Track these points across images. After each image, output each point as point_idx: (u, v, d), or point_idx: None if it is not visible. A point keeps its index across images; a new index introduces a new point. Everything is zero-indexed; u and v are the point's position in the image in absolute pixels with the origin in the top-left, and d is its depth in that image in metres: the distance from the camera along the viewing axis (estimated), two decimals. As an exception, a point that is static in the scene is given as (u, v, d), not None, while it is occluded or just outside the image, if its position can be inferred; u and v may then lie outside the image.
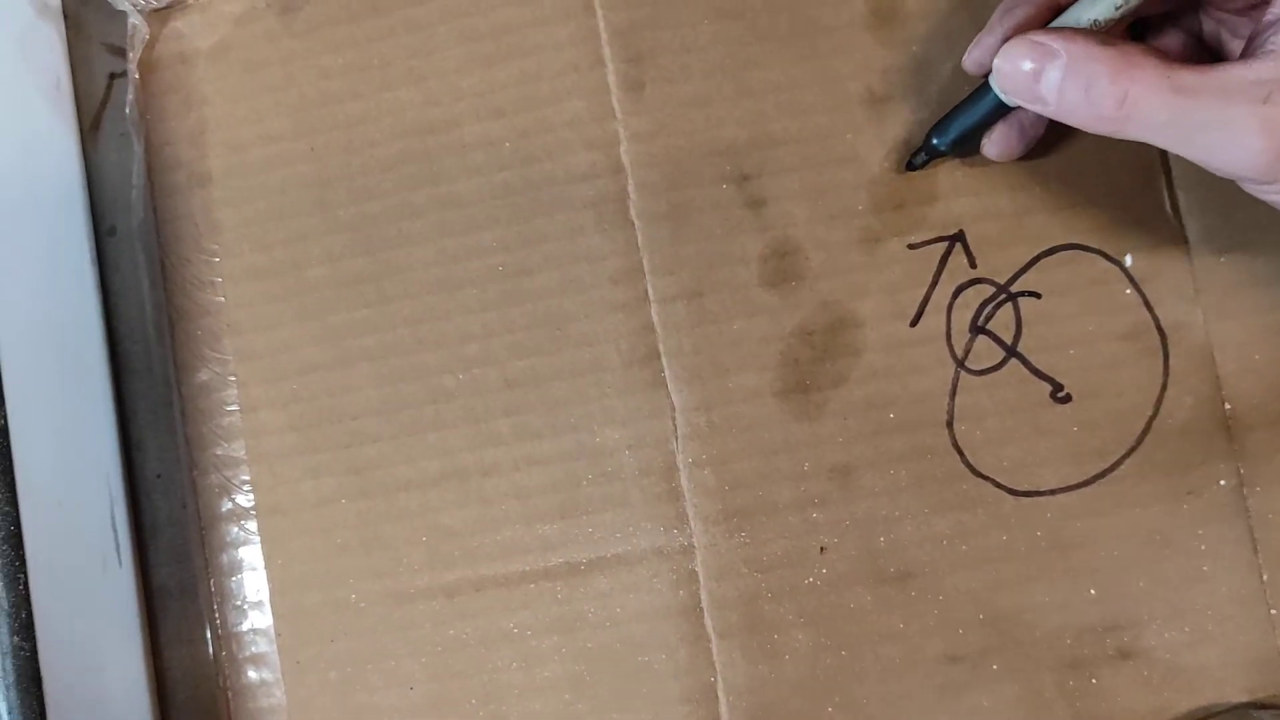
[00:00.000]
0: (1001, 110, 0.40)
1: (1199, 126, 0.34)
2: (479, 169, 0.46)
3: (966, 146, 0.42)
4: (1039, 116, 0.40)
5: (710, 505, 0.44)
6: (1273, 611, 0.42)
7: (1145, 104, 0.34)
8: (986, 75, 0.40)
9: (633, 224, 0.45)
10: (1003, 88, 0.38)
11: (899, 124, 0.44)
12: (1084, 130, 0.36)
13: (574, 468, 0.45)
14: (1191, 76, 0.33)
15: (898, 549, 0.44)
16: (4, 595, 0.43)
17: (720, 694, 0.44)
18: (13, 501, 0.44)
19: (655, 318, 0.45)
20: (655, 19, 0.45)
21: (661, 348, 0.45)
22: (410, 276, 0.46)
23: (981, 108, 0.41)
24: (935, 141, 0.42)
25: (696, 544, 0.44)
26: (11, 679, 0.43)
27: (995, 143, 0.42)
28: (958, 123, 0.42)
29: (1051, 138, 0.43)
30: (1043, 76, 0.36)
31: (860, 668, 0.43)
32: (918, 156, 0.43)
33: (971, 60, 0.41)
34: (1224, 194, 0.43)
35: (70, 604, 0.47)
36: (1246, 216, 0.43)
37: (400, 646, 0.46)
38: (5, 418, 0.44)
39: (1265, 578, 0.42)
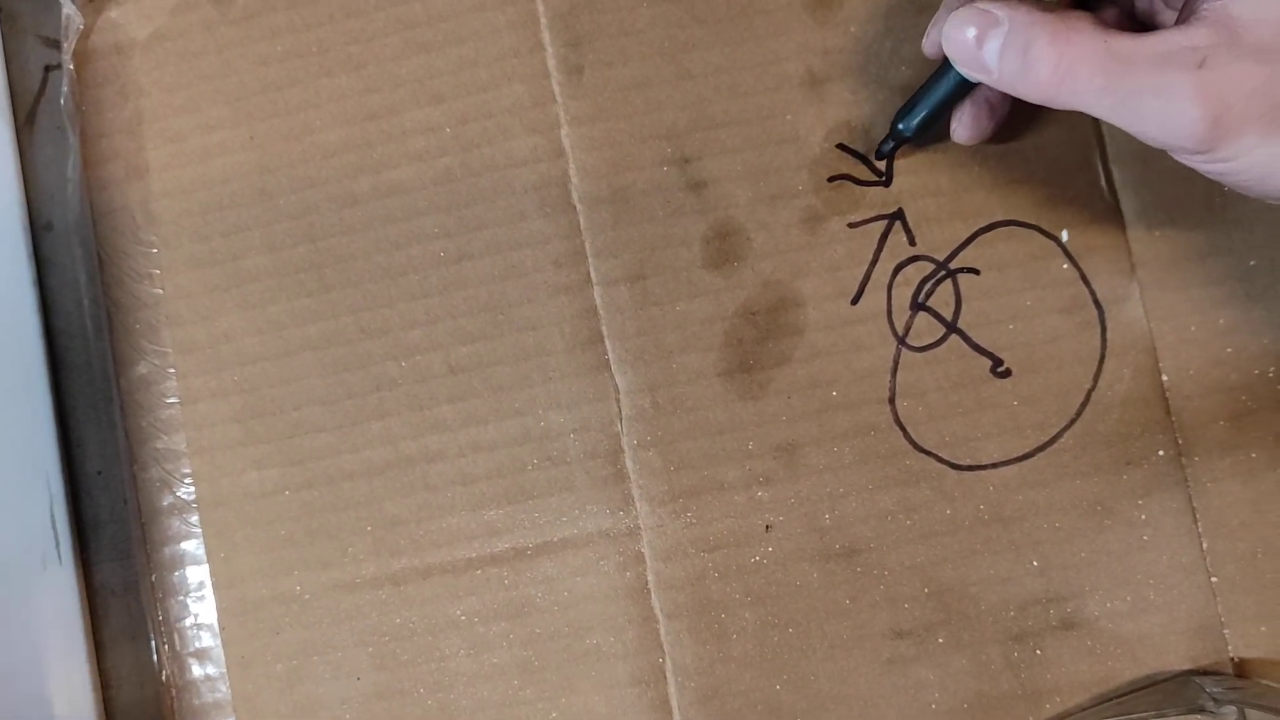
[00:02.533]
0: (962, 89, 0.41)
1: (1134, 93, 0.34)
2: (419, 155, 0.46)
3: (932, 130, 0.43)
4: (1005, 95, 0.40)
5: (656, 486, 0.44)
6: (1213, 579, 0.43)
7: (1081, 70, 0.34)
8: (945, 58, 0.40)
9: (574, 208, 0.45)
10: (952, 56, 0.38)
11: (839, 104, 0.45)
12: (1027, 100, 0.36)
13: (519, 452, 0.45)
14: (1128, 43, 0.34)
15: (843, 525, 0.44)
16: (-61, 592, 0.42)
17: (669, 674, 0.44)
18: (-52, 497, 0.43)
19: (598, 301, 0.45)
20: (594, 2, 0.45)
21: (605, 330, 0.45)
22: (352, 264, 0.46)
23: (943, 87, 0.41)
24: (900, 127, 0.42)
25: (643, 525, 0.44)
26: (-52, 677, 0.42)
27: (965, 125, 0.42)
28: (921, 105, 0.42)
29: (1015, 120, 0.43)
30: (985, 43, 0.36)
31: (808, 644, 0.43)
32: (885, 144, 0.43)
33: (929, 42, 0.42)
34: (1158, 170, 0.43)
35: (11, 603, 0.46)
36: (1181, 191, 0.44)
37: (347, 637, 0.45)
38: (-62, 411, 0.43)
39: (1205, 546, 0.43)
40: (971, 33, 0.36)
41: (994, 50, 0.36)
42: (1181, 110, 0.33)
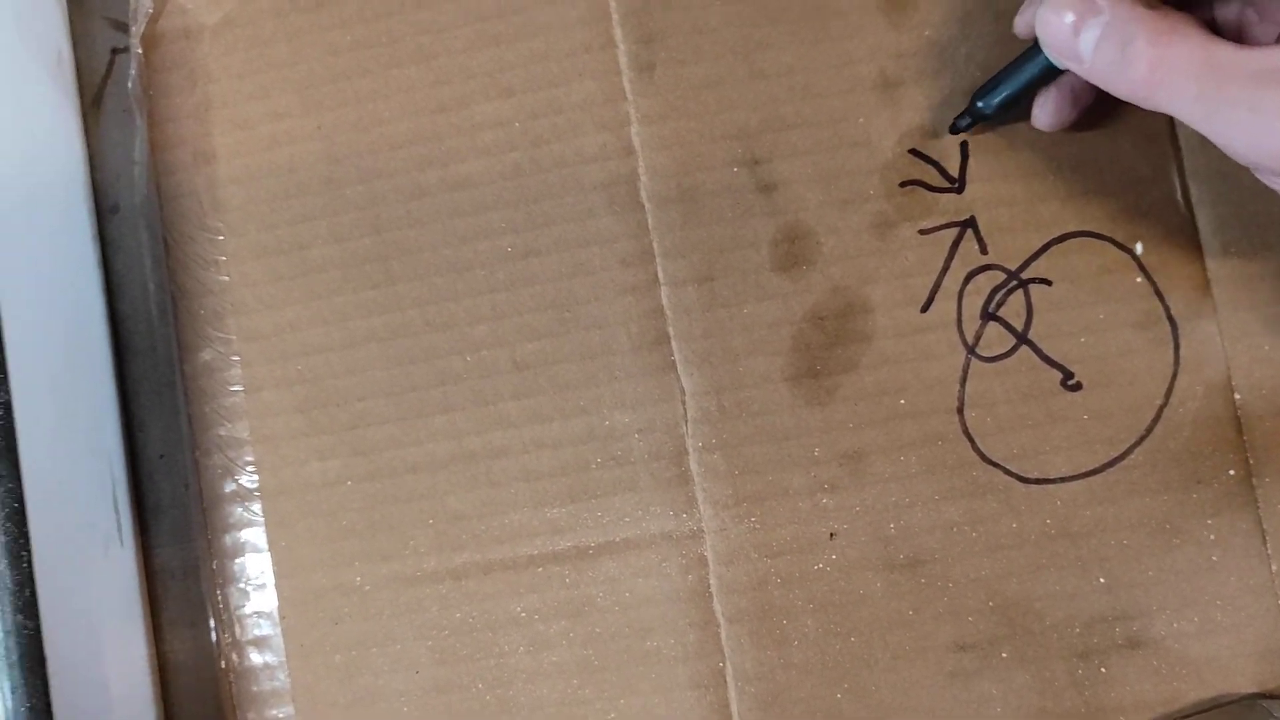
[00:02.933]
0: (1049, 74, 0.40)
1: (1228, 105, 0.33)
2: (488, 149, 0.46)
3: (1011, 111, 0.42)
4: (1092, 85, 0.39)
5: (720, 490, 0.44)
6: (1280, 601, 0.42)
7: (1178, 74, 0.33)
8: (1035, 40, 0.39)
9: (643, 206, 0.45)
10: (1044, 40, 0.37)
11: (912, 108, 0.44)
12: (1116, 96, 0.36)
13: (583, 451, 0.45)
14: (1228, 53, 0.33)
15: (908, 535, 0.43)
16: (8, 574, 0.42)
17: (729, 679, 0.44)
18: (16, 480, 0.43)
19: (665, 301, 0.45)
20: (667, -1, 0.45)
21: (671, 331, 0.45)
22: (418, 257, 0.46)
23: (1029, 70, 0.40)
24: (980, 105, 0.42)
25: (706, 529, 0.44)
26: (15, 658, 0.42)
27: (1046, 111, 0.41)
28: (1004, 85, 0.41)
29: (1097, 112, 0.42)
30: (1082, 31, 0.35)
31: (869, 654, 0.43)
32: (962, 119, 0.43)
33: (1022, 21, 0.41)
34: (1236, 186, 0.43)
35: (73, 584, 0.46)
36: (1259, 208, 0.43)
37: (406, 630, 0.45)
38: (9, 397, 0.43)
39: (1274, 568, 0.42)
40: (1069, 18, 0.35)
41: (1090, 40, 0.35)
42: (1273, 129, 0.32)
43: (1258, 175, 0.37)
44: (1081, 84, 0.40)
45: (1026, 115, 0.42)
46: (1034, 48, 0.39)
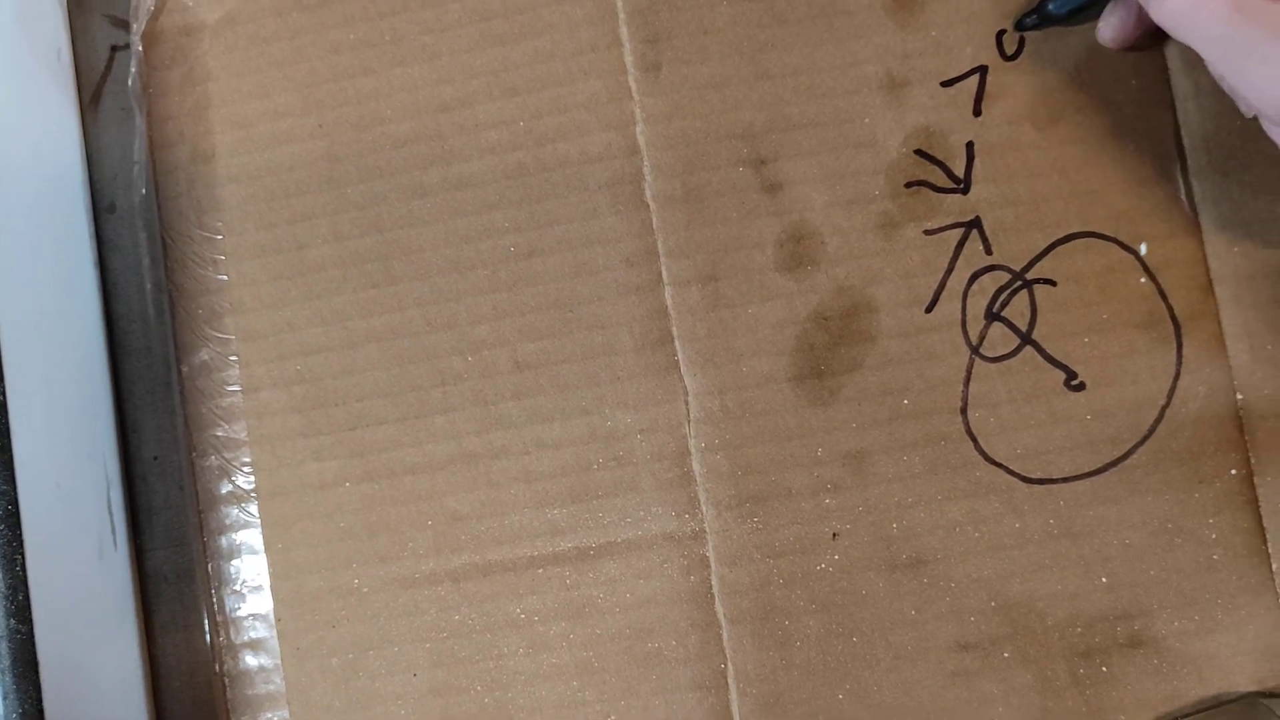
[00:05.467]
0: None
1: (1245, 50, 0.35)
2: (492, 148, 0.45)
3: (1081, 16, 0.42)
4: None
5: (722, 490, 0.44)
6: (1282, 601, 0.42)
7: (1207, 11, 0.35)
8: None
9: (648, 206, 0.45)
10: None
11: (918, 110, 0.44)
12: (1152, 19, 0.37)
13: (584, 451, 0.45)
14: (1260, 2, 0.34)
15: (910, 536, 0.43)
16: (1, 578, 0.42)
17: (731, 680, 0.43)
18: (11, 482, 0.42)
19: (669, 301, 0.45)
20: (673, -1, 0.45)
21: (675, 331, 0.44)
22: (419, 257, 0.46)
23: None
24: (1051, 7, 0.42)
25: (708, 529, 0.44)
26: (8, 662, 0.42)
27: (1111, 25, 0.42)
28: None
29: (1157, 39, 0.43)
30: None
31: (872, 654, 0.43)
32: (1029, 17, 0.43)
33: None
34: (1239, 184, 0.43)
35: (66, 587, 0.46)
36: (1262, 207, 0.43)
37: (404, 632, 0.45)
38: (3, 398, 0.42)
39: (1275, 567, 0.42)
40: None
41: None
42: (1276, 79, 0.34)
43: (1263, 124, 0.38)
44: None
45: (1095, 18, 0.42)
46: None
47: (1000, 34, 0.44)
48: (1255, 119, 0.40)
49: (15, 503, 0.43)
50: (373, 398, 0.46)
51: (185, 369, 0.47)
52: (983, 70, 0.44)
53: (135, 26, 0.47)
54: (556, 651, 0.44)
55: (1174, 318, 0.43)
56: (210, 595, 0.47)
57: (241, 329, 0.46)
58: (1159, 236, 0.43)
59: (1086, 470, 0.43)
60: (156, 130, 0.47)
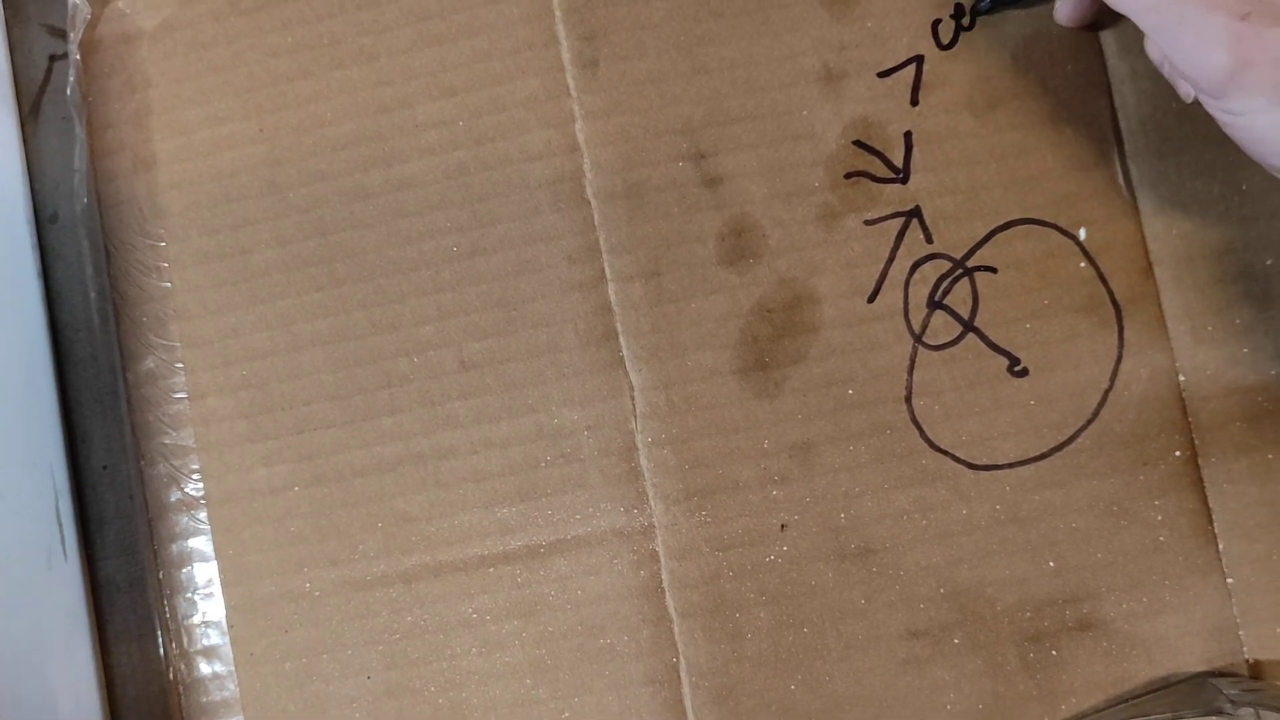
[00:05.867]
0: None
1: (1178, 21, 0.35)
2: (432, 149, 0.45)
3: None
4: None
5: (670, 484, 0.44)
6: (1229, 580, 0.42)
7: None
8: None
9: (589, 203, 0.45)
10: None
11: (855, 101, 0.44)
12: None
13: (532, 449, 0.45)
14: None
15: (858, 525, 0.43)
16: (-55, 589, 0.42)
17: (683, 674, 0.43)
18: (-47, 492, 0.42)
19: (613, 297, 0.45)
20: (609, -5, 0.45)
21: (619, 327, 0.44)
22: (363, 259, 0.45)
23: None
24: None
25: (657, 524, 0.44)
26: (-46, 675, 0.41)
27: (1068, 3, 0.43)
28: None
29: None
30: None
31: (822, 645, 0.43)
32: (983, 1, 0.44)
33: None
34: (1176, 166, 0.43)
35: (16, 599, 0.46)
36: (1199, 188, 0.43)
37: (357, 635, 0.45)
38: (-56, 406, 0.42)
39: (1221, 547, 0.43)
40: None
41: None
42: (1211, 53, 0.35)
43: (1202, 100, 0.38)
44: None
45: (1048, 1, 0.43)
46: None
47: (936, 23, 0.44)
48: (1194, 103, 0.40)
49: (-40, 516, 0.43)
50: (320, 401, 0.45)
51: (131, 377, 0.47)
52: (919, 60, 0.44)
53: (73, 35, 0.47)
54: (509, 650, 0.44)
55: (1114, 301, 0.43)
56: (163, 603, 0.46)
57: (186, 335, 0.46)
58: (1098, 221, 0.44)
59: (1031, 455, 0.43)
60: (97, 139, 0.47)
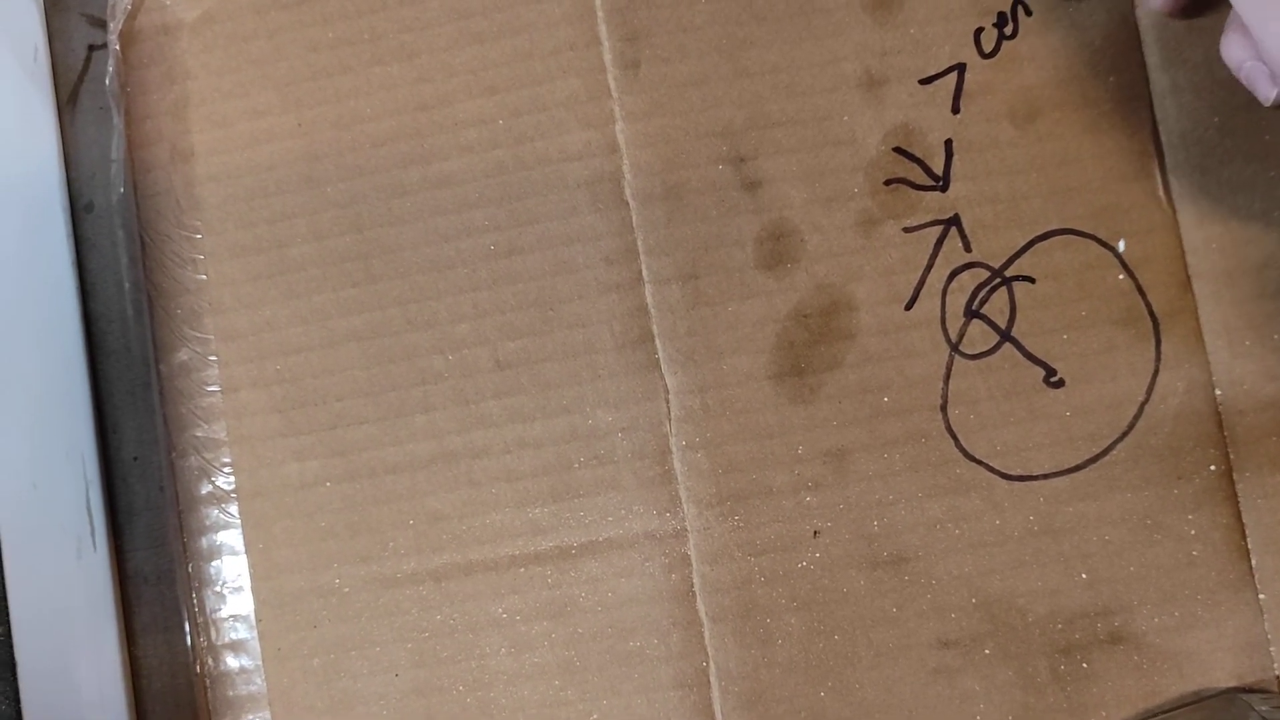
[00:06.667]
0: None
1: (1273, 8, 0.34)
2: (471, 147, 0.45)
3: None
4: None
5: (703, 489, 0.44)
6: (1261, 596, 0.42)
7: None
8: None
9: (627, 204, 0.45)
10: None
11: (896, 107, 0.44)
12: None
13: (565, 450, 0.45)
14: None
15: (891, 533, 0.43)
16: (-22, 578, 0.42)
17: (712, 679, 0.43)
18: (-12, 481, 0.42)
19: (649, 299, 0.44)
20: (652, -3, 0.45)
21: (655, 329, 0.44)
22: (399, 255, 0.45)
23: None
24: None
25: (689, 528, 0.44)
26: (-15, 663, 0.41)
27: None
28: None
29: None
30: None
31: (853, 652, 0.43)
32: None
33: None
34: (1217, 180, 0.43)
35: (45, 588, 0.46)
36: (1239, 203, 0.43)
37: (386, 632, 0.45)
38: (-20, 394, 0.42)
39: (1254, 562, 0.43)
40: None
41: None
42: None
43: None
44: None
45: None
46: None
47: (978, 32, 0.44)
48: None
49: (-8, 504, 0.43)
50: (353, 397, 0.45)
51: (164, 369, 0.47)
52: (961, 68, 0.44)
53: (113, 25, 0.47)
54: (538, 651, 0.44)
55: (1152, 314, 0.43)
56: (191, 596, 0.46)
57: (221, 329, 0.46)
58: (1137, 233, 0.43)
59: (1066, 467, 0.43)
60: (135, 129, 0.47)
